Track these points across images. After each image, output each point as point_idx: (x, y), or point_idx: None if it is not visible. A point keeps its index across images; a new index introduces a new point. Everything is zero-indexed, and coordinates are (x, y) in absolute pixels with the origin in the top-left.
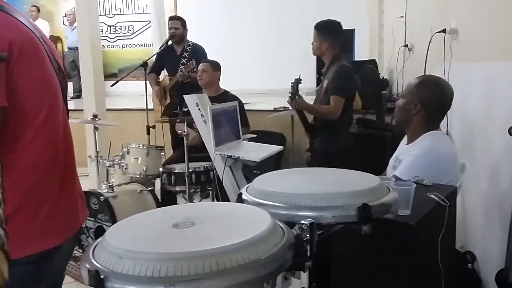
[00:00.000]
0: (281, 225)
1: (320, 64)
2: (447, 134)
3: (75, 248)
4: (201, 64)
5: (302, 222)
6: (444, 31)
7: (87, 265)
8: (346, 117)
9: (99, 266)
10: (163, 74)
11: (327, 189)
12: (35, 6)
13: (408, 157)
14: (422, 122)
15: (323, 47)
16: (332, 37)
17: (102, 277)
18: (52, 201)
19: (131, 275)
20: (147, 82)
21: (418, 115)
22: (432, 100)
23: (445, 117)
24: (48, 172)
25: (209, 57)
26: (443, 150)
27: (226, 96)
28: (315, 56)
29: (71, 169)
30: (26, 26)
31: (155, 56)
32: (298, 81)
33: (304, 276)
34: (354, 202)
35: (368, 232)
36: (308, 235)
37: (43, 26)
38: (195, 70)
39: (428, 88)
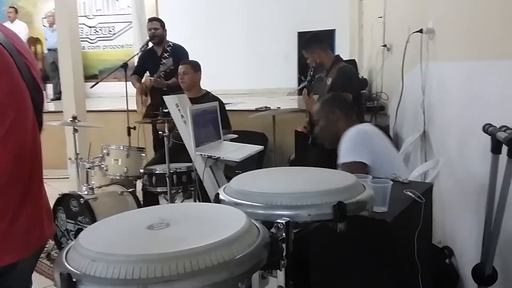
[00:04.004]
0: (257, 225)
1: (301, 65)
2: (424, 132)
3: (56, 252)
4: (181, 67)
5: (278, 221)
6: (421, 31)
7: (60, 269)
8: None
9: (72, 269)
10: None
11: (303, 188)
12: (13, 7)
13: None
14: (345, 121)
15: (317, 57)
16: (320, 44)
17: (74, 280)
18: (10, 218)
19: (103, 278)
20: (129, 82)
21: (340, 119)
22: (340, 100)
23: (422, 116)
24: (7, 187)
25: (190, 58)
26: (365, 128)
27: (207, 97)
28: (296, 57)
29: (37, 184)
30: None
31: (136, 59)
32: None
33: (281, 274)
34: (330, 200)
35: (344, 230)
36: (284, 234)
37: (21, 28)
38: (172, 67)
39: (330, 97)
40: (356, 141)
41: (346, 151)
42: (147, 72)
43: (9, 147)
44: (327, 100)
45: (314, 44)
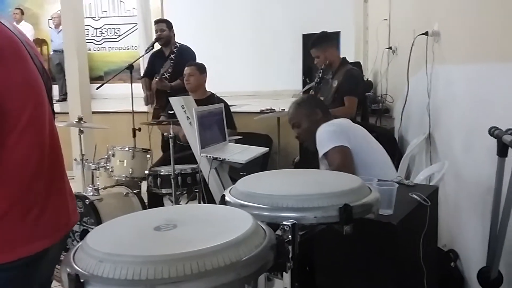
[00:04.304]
0: (263, 227)
1: (306, 67)
2: (429, 135)
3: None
4: (186, 68)
5: (284, 223)
6: (426, 33)
7: (68, 269)
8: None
9: (79, 269)
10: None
11: (309, 190)
12: (19, 8)
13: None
14: (325, 120)
15: (329, 55)
16: (331, 43)
17: (82, 281)
18: (40, 204)
19: (111, 278)
20: (135, 84)
21: (321, 119)
22: (318, 101)
23: (427, 118)
24: (35, 174)
25: (196, 58)
26: (338, 120)
27: (212, 99)
28: (301, 59)
29: (60, 170)
30: (7, 27)
31: (142, 60)
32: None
33: (287, 276)
34: (336, 202)
35: (350, 232)
36: (290, 236)
37: (27, 29)
38: (170, 69)
39: (307, 99)
40: (330, 130)
41: (324, 142)
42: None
43: (32, 135)
44: (304, 102)
45: (325, 42)
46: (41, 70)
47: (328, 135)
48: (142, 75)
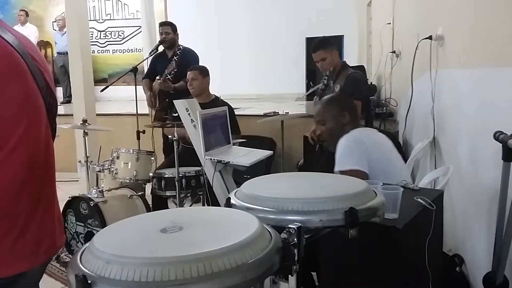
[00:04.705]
0: (269, 229)
1: (309, 70)
2: (433, 139)
3: (65, 254)
4: (189, 73)
5: (289, 226)
6: (430, 37)
7: (75, 270)
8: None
9: (87, 271)
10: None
11: (315, 193)
12: (24, 10)
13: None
14: (352, 126)
15: (335, 58)
16: (335, 46)
17: (89, 282)
18: (23, 225)
19: (118, 280)
20: (139, 86)
21: (348, 123)
22: (349, 104)
23: (432, 122)
24: (21, 194)
25: (200, 61)
26: (361, 136)
27: (216, 102)
28: (304, 62)
29: (50, 191)
30: (8, 42)
31: (146, 63)
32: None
33: (292, 279)
34: (341, 206)
35: (355, 236)
36: (295, 239)
37: (31, 31)
38: (175, 70)
39: (338, 98)
40: (350, 147)
41: (343, 159)
42: (158, 75)
43: (21, 155)
44: (335, 101)
45: (330, 45)
46: (43, 87)
47: (348, 151)
48: (143, 76)
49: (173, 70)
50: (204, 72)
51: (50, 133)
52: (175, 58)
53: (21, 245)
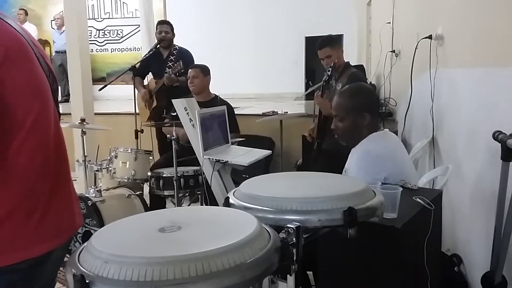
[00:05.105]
0: (267, 229)
1: (309, 70)
2: (432, 138)
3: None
4: (191, 70)
5: (288, 225)
6: (430, 37)
7: (73, 270)
8: None
9: (85, 270)
10: (148, 78)
11: (313, 193)
12: (23, 9)
13: (351, 167)
14: (370, 128)
15: (340, 55)
16: (341, 44)
17: (87, 281)
18: (43, 206)
19: (116, 280)
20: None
21: (367, 126)
22: (371, 104)
23: (431, 122)
24: (39, 176)
25: (198, 62)
26: (377, 150)
27: (216, 101)
28: (303, 62)
29: (65, 172)
30: (14, 28)
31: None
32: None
33: (291, 279)
34: (340, 205)
35: (354, 236)
36: (294, 239)
37: (30, 30)
38: (182, 71)
39: (362, 95)
40: (369, 161)
41: (359, 171)
42: (150, 74)
43: (35, 138)
44: (358, 95)
45: (336, 43)
46: (47, 71)
47: (365, 165)
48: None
49: (180, 70)
50: (206, 70)
51: (57, 116)
52: (171, 57)
53: (44, 225)
